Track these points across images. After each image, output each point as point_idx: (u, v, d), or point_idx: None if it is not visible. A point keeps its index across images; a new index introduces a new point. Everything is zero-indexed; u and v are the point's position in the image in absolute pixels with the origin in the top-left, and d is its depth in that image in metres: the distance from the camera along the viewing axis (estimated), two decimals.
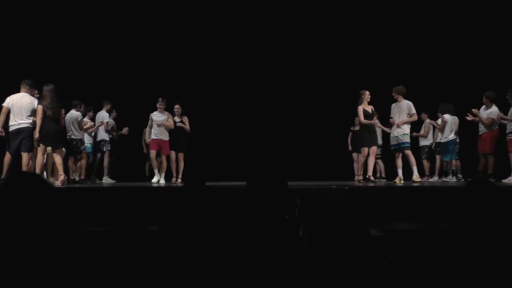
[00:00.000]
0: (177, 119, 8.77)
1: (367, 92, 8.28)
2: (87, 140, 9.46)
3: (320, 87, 10.89)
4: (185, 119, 8.87)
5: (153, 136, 8.58)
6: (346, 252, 1.93)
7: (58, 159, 7.25)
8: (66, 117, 8.48)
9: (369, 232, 2.02)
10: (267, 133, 10.65)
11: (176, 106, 8.82)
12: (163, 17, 10.57)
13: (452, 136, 8.99)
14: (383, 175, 10.20)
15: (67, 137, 8.54)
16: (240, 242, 2.22)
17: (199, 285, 2.38)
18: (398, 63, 10.28)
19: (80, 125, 8.70)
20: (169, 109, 8.77)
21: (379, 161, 10.29)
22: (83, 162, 8.87)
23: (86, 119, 9.32)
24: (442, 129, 9.06)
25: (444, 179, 9.26)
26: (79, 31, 10.23)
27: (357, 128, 10.49)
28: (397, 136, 8.15)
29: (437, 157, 9.64)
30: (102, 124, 9.38)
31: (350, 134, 10.57)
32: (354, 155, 10.46)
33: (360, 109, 8.22)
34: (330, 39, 10.75)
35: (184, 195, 3.38)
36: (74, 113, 8.66)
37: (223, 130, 10.80)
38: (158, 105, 8.53)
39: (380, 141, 10.13)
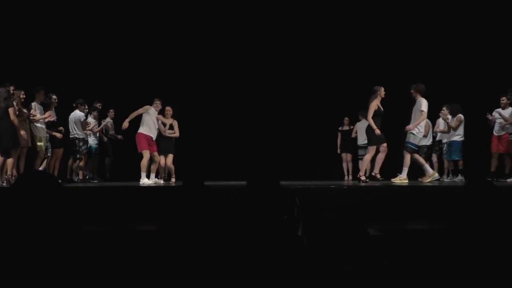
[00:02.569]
0: (167, 122, 8.76)
1: (383, 88, 7.97)
2: (92, 141, 9.50)
3: (313, 86, 10.87)
4: (175, 123, 8.85)
5: (146, 132, 8.28)
6: (345, 252, 1.92)
7: None
8: (70, 117, 8.61)
9: (368, 232, 2.02)
10: (265, 132, 10.63)
11: (167, 108, 8.76)
12: (159, 17, 10.56)
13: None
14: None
15: (70, 136, 8.64)
16: (239, 242, 2.21)
17: (198, 285, 2.37)
18: (394, 64, 10.27)
19: (83, 125, 8.75)
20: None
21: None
22: (82, 162, 8.87)
23: (90, 118, 9.36)
24: (456, 128, 9.01)
25: (455, 179, 9.20)
26: (77, 31, 10.21)
27: (346, 128, 10.47)
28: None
29: (434, 155, 9.64)
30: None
31: (339, 134, 10.52)
32: (343, 155, 10.45)
33: (373, 105, 7.84)
34: (325, 42, 10.73)
35: (183, 195, 3.37)
36: (77, 113, 8.76)
37: (222, 130, 10.79)
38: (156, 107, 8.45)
39: (365, 142, 10.15)
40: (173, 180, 8.89)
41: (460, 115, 9.01)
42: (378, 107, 7.86)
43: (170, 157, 8.81)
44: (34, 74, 9.00)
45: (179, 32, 10.76)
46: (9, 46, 9.48)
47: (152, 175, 8.41)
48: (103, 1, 10.29)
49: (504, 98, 8.50)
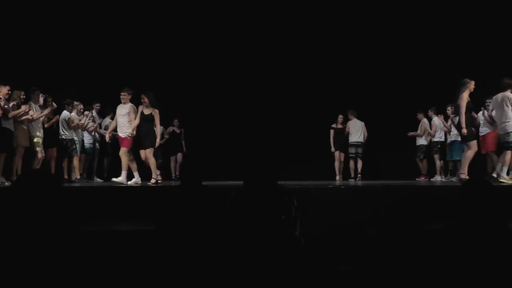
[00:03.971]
0: (146, 111, 7.75)
1: (473, 82, 7.22)
2: (87, 140, 9.48)
3: (310, 87, 10.85)
4: (155, 112, 7.76)
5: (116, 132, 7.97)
6: (342, 251, 1.92)
7: None
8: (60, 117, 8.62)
9: (365, 232, 2.02)
10: (262, 132, 10.61)
11: (141, 95, 7.76)
12: (158, 17, 10.55)
13: None
14: (359, 173, 10.12)
15: (59, 137, 8.62)
16: (237, 241, 2.21)
17: (196, 284, 2.37)
18: (392, 64, 10.26)
19: (69, 124, 8.70)
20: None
21: (359, 160, 10.17)
22: (75, 162, 8.85)
23: (84, 118, 9.34)
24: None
25: (452, 179, 9.13)
26: (76, 31, 10.19)
27: (340, 126, 10.36)
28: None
29: (436, 156, 9.61)
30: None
31: (332, 132, 10.37)
32: (336, 153, 10.28)
33: (465, 98, 7.05)
34: (320, 42, 10.72)
35: (181, 195, 3.37)
36: (64, 113, 8.72)
37: (220, 129, 10.78)
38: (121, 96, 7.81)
39: (361, 139, 10.07)
40: (152, 180, 7.81)
41: None
42: (468, 100, 7.16)
43: (148, 151, 7.78)
44: (33, 74, 8.97)
45: (177, 32, 10.75)
46: (8, 47, 9.46)
47: (136, 174, 7.85)
48: (104, 1, 10.28)
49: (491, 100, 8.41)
